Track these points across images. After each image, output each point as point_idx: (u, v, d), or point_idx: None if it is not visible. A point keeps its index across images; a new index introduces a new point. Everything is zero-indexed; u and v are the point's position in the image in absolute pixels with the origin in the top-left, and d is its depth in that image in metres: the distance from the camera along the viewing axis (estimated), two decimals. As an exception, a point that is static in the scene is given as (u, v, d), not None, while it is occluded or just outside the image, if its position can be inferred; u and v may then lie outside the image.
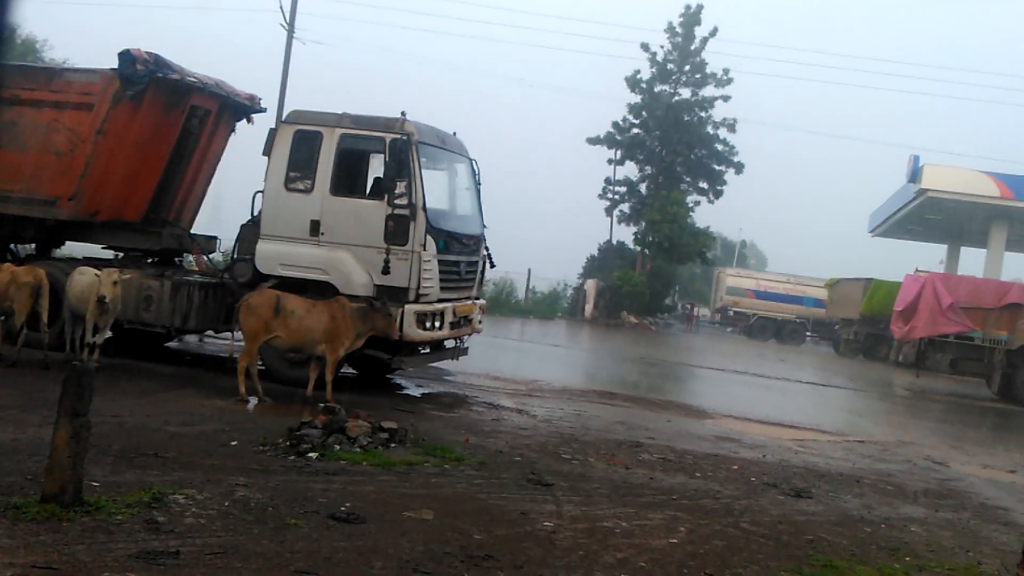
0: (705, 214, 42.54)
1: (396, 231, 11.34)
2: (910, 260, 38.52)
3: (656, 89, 42.23)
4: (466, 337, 13.34)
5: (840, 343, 37.17)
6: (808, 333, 43.26)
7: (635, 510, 7.44)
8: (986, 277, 30.14)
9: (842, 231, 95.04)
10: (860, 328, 34.94)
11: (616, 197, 43.22)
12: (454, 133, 13.10)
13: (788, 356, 31.50)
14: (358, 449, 8.28)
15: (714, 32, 41.28)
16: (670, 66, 42.00)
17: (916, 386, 23.25)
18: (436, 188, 12.30)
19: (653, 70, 42.09)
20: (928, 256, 46.18)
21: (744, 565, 6.28)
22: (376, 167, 12.10)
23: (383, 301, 10.78)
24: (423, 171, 11.57)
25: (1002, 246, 34.35)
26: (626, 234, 43.06)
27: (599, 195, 43.27)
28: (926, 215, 35.78)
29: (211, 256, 14.81)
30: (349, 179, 11.95)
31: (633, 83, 42.11)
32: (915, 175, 32.72)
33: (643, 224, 40.28)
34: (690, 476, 9.06)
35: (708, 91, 42.02)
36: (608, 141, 42.23)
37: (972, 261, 39.33)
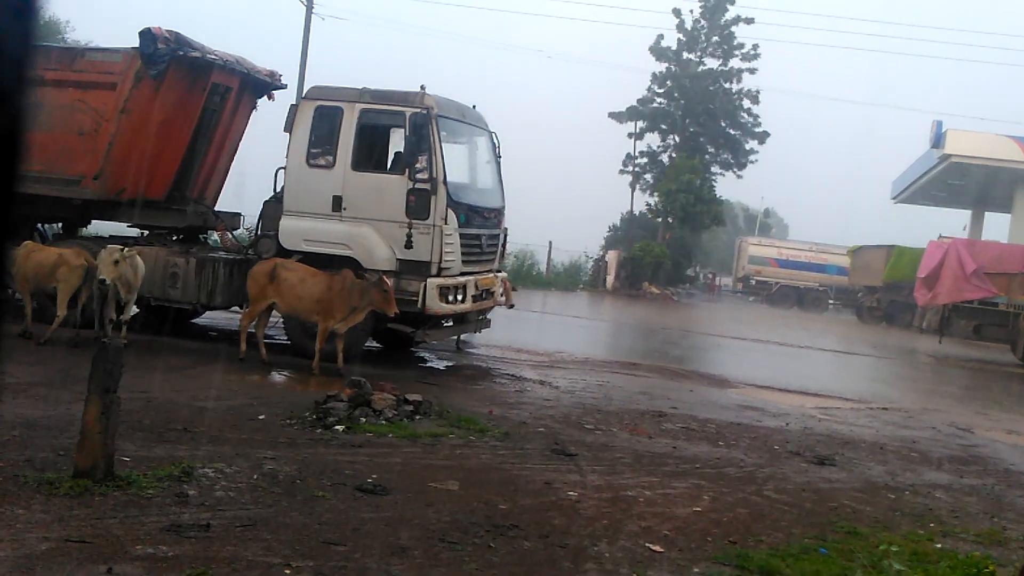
0: (727, 183, 42.50)
1: (417, 205, 11.39)
2: (934, 226, 38.12)
3: (683, 57, 42.07)
4: (488, 310, 13.40)
5: (863, 311, 37.00)
6: (831, 301, 43.11)
7: (658, 479, 7.49)
8: (1011, 242, 29.89)
9: (865, 198, 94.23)
10: (883, 295, 34.77)
11: (637, 169, 43.15)
12: (474, 106, 13.09)
13: (810, 324, 31.40)
14: (384, 421, 8.38)
15: (750, 20, 41.18)
16: (698, 34, 41.79)
17: (940, 352, 23.12)
18: (457, 162, 12.32)
19: (680, 35, 41.92)
20: (952, 222, 45.83)
21: (768, 533, 6.33)
22: (397, 142, 12.13)
23: (380, 277, 10.88)
24: (443, 145, 11.59)
25: (1028, 211, 33.99)
26: (647, 204, 43.01)
27: (621, 167, 43.24)
28: (949, 181, 35.46)
29: (235, 233, 14.89)
30: (370, 154, 11.98)
31: (658, 52, 41.98)
32: (938, 140, 32.40)
33: (658, 195, 40.19)
34: (713, 445, 9.11)
35: (734, 63, 41.89)
36: (630, 114, 42.12)
37: (997, 226, 38.94)
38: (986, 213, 40.10)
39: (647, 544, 5.81)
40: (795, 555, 5.83)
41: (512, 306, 13.44)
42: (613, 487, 7.12)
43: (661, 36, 42.13)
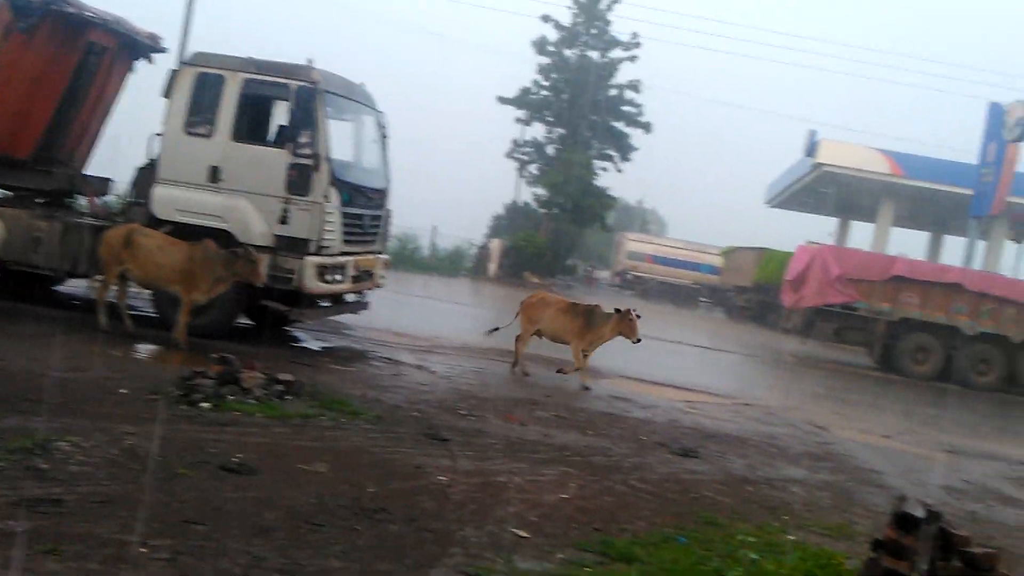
0: (608, 180, 43.09)
1: (298, 181, 11.17)
2: (804, 232, 39.75)
3: (565, 52, 42.43)
4: (367, 291, 13.27)
5: (733, 309, 38.16)
6: (702, 299, 44.30)
7: (528, 466, 7.57)
8: (874, 251, 31.29)
9: (740, 201, 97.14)
10: (752, 296, 35.88)
11: (525, 158, 43.39)
12: (363, 84, 12.91)
13: (682, 320, 32.19)
14: (252, 401, 8.20)
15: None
16: (577, 27, 42.20)
17: (803, 353, 24.05)
18: (342, 139, 12.12)
19: (562, 33, 42.26)
20: (820, 228, 47.63)
21: (631, 521, 6.47)
22: (280, 115, 11.87)
23: (247, 248, 10.68)
24: (329, 121, 11.40)
25: (890, 221, 35.78)
26: (534, 195, 43.31)
27: (506, 155, 43.42)
28: (820, 188, 36.87)
29: (105, 198, 14.30)
30: (252, 126, 11.69)
31: (540, 47, 42.25)
32: (811, 149, 33.68)
33: (546, 186, 40.51)
34: (583, 434, 9.25)
35: (615, 54, 42.39)
36: (518, 102, 42.30)
37: (861, 235, 40.76)
38: (852, 222, 41.90)
39: (513, 529, 5.87)
40: (656, 543, 5.99)
41: (639, 341, 12.90)
42: (483, 472, 7.16)
43: (544, 36, 42.43)
